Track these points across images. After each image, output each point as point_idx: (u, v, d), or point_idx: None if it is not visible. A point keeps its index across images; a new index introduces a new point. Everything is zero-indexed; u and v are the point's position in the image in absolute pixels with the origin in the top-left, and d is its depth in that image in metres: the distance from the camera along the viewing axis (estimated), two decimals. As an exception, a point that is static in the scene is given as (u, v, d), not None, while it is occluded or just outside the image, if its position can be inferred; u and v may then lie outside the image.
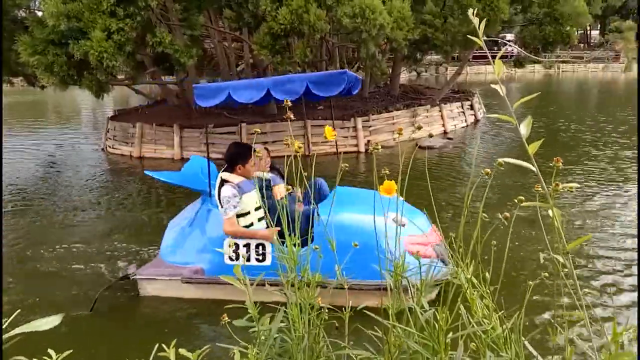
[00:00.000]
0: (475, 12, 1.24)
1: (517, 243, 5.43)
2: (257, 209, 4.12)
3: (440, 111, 13.67)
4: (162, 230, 4.77)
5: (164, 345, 1.60)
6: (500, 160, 1.32)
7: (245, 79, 4.87)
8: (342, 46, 16.58)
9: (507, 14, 11.24)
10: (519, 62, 15.97)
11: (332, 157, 10.70)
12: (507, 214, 1.57)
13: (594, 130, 12.82)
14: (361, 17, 8.92)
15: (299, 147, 1.66)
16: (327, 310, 1.83)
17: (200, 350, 1.63)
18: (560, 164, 1.18)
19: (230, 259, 4.12)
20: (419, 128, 1.69)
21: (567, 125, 13.74)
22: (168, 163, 11.10)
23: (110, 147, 12.65)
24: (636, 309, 4.25)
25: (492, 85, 1.13)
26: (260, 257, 4.03)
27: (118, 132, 12.64)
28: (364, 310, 1.93)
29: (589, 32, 46.66)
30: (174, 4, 10.66)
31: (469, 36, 1.28)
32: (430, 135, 11.17)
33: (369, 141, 11.63)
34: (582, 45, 43.93)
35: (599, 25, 44.98)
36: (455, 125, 14.06)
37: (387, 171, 1.67)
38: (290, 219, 1.85)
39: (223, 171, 4.13)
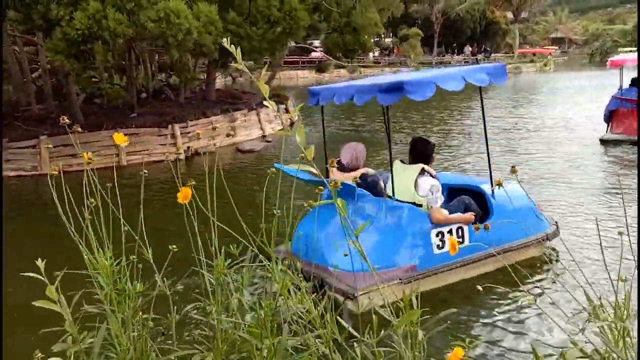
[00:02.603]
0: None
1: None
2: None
3: (257, 115, 14.03)
4: None
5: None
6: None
7: (444, 70, 5.19)
8: (153, 51, 15.96)
9: (309, 21, 11.94)
10: (320, 68, 17.08)
11: (150, 165, 10.31)
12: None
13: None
14: (166, 21, 8.72)
15: (90, 160, 1.68)
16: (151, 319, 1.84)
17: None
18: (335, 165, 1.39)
19: (438, 247, 4.39)
20: (228, 135, 1.80)
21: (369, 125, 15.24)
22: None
23: None
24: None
25: (265, 103, 1.28)
26: (460, 240, 4.51)
27: None
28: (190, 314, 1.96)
29: (384, 39, 51.94)
30: (-57, 2, 9.14)
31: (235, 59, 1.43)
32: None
33: (188, 148, 11.44)
34: (378, 50, 48.73)
35: (391, 33, 50.38)
36: (272, 128, 14.53)
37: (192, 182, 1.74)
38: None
39: (412, 163, 4.52)
